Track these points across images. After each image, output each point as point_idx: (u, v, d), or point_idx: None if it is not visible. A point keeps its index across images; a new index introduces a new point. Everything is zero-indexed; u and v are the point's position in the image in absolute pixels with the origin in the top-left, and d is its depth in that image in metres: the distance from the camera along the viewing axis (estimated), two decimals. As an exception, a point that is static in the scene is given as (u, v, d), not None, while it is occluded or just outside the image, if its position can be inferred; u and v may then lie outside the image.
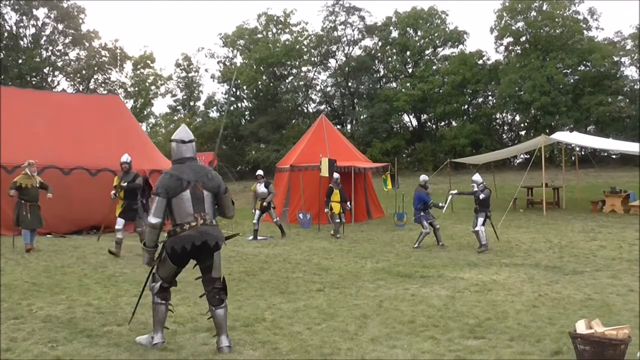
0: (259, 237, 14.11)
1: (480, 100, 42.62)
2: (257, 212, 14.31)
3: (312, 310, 6.59)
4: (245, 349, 5.12)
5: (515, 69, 36.80)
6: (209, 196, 5.19)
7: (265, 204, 14.33)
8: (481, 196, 11.94)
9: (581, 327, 4.81)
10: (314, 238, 14.27)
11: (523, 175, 20.08)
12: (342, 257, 11.01)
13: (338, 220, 14.72)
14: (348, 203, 14.85)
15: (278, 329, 5.78)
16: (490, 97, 42.17)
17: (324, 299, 7.22)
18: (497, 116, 42.30)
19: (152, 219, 5.09)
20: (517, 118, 41.64)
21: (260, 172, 14.96)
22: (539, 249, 11.95)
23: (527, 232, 14.62)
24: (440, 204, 12.98)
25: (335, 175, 15.04)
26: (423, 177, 13.25)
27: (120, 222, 11.02)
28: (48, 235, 13.75)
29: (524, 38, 38.61)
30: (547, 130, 31.51)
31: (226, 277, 8.61)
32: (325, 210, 14.89)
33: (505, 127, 43.65)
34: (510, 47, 39.93)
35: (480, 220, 11.82)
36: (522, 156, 34.43)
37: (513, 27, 38.45)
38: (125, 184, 11.16)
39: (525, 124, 40.62)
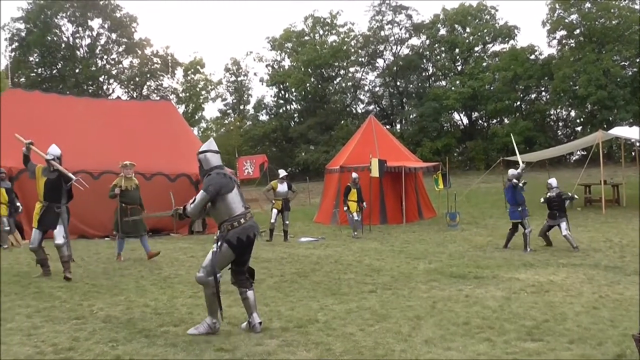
0: (309, 238, 14.26)
1: (533, 96, 41.64)
2: (275, 210, 14.02)
3: (365, 311, 6.57)
4: (298, 350, 5.14)
5: (569, 63, 35.79)
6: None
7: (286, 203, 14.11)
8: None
9: (646, 330, 4.63)
10: (365, 239, 14.23)
11: (580, 172, 19.45)
12: (393, 258, 10.92)
13: (357, 219, 14.73)
14: (364, 203, 14.93)
15: (331, 330, 5.77)
16: (543, 93, 41.14)
17: (376, 300, 7.18)
18: (551, 112, 41.25)
19: (193, 211, 5.75)
20: (573, 113, 40.48)
21: (283, 172, 14.65)
22: (599, 248, 11.56)
23: (585, 231, 14.16)
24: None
25: (354, 175, 15.12)
26: (512, 172, 12.30)
27: (35, 237, 8.63)
28: (106, 239, 14.22)
29: (577, 31, 37.49)
30: (605, 125, 30.43)
31: (279, 278, 8.79)
32: (345, 209, 14.94)
33: (560, 123, 42.50)
34: (564, 41, 38.85)
35: (564, 224, 11.52)
36: (578, 153, 33.45)
37: (566, 20, 37.40)
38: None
39: (581, 120, 39.42)
